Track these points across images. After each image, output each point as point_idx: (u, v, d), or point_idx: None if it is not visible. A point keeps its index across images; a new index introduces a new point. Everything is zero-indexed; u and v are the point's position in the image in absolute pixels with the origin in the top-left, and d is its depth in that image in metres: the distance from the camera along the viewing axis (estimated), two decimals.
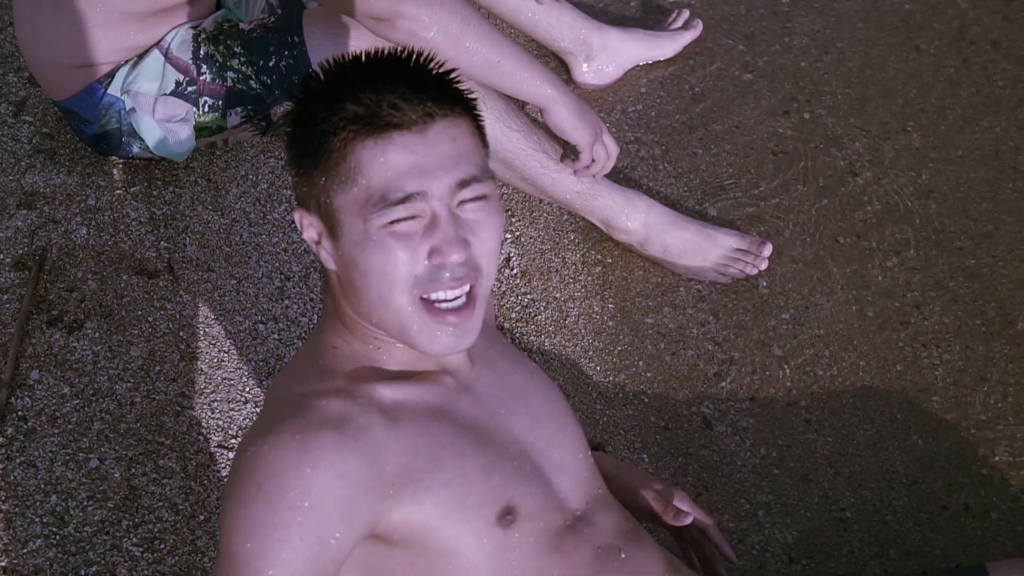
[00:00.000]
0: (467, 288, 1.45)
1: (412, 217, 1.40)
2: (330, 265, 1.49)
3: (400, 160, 1.39)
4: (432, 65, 1.46)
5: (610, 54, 2.84)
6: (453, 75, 1.47)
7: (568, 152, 2.34)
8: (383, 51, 1.45)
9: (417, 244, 1.40)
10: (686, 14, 2.93)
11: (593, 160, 2.30)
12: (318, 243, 1.49)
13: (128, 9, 2.24)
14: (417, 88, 1.41)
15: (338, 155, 1.40)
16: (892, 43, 2.96)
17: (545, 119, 2.26)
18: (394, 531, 1.42)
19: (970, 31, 3.00)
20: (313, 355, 1.55)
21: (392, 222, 1.39)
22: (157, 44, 2.30)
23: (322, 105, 1.43)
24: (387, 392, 1.48)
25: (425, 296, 1.43)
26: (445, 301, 1.44)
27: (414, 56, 1.45)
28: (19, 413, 2.10)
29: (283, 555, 1.31)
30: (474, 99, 1.49)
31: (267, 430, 1.38)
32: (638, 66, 2.89)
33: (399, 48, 1.47)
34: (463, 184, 1.41)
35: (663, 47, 2.90)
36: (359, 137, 1.39)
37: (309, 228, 1.48)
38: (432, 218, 1.41)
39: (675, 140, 2.75)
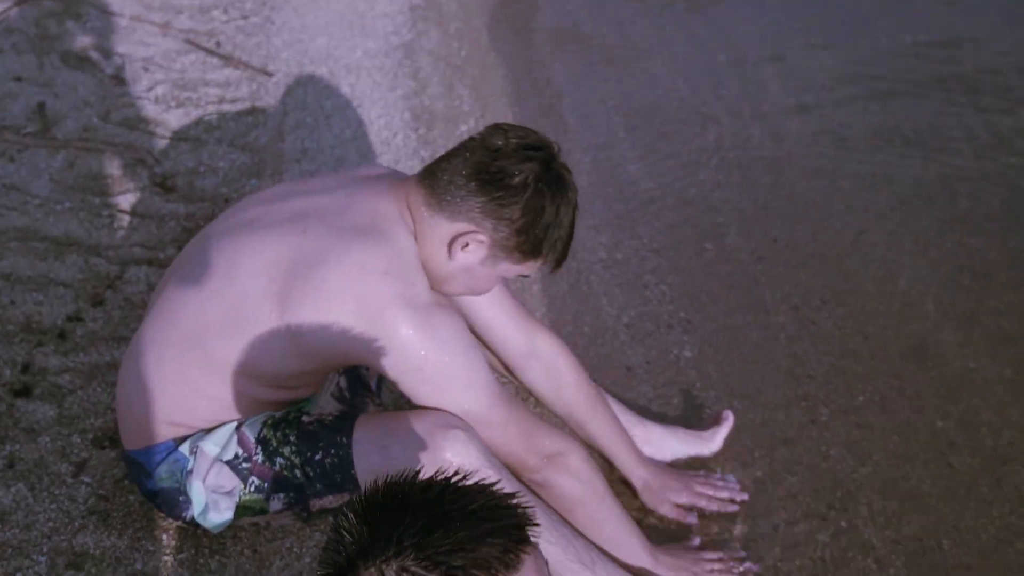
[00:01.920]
0: None
1: None
2: None
3: None
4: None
5: (652, 448, 2.92)
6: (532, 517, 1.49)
7: None
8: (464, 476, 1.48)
9: None
10: (725, 414, 3.01)
11: None
12: None
13: (247, 392, 2.35)
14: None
15: None
16: (926, 458, 3.03)
17: None
18: None
19: (1003, 450, 3.07)
20: None
21: None
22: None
23: None
24: None
25: None
26: None
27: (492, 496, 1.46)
28: None
29: None
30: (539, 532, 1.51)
31: None
32: (679, 460, 2.96)
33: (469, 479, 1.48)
34: None
35: (703, 445, 2.98)
36: None
37: None
38: None
39: (716, 539, 2.78)
